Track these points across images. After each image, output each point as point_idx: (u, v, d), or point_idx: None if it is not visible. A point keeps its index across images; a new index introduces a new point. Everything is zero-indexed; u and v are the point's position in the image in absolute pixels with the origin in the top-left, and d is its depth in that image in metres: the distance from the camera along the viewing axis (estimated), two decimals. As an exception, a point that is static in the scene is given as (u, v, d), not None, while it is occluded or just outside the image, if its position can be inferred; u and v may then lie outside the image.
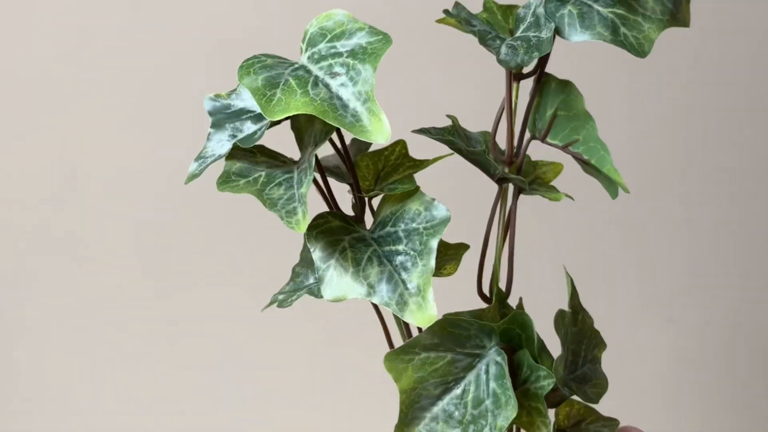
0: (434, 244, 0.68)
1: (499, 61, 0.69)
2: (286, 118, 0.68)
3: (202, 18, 1.28)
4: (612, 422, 0.75)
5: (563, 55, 1.28)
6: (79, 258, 1.29)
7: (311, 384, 1.31)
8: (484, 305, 0.76)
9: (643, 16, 0.69)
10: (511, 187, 0.75)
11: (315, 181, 0.73)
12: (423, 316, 0.67)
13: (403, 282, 0.68)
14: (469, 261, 0.79)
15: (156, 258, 1.29)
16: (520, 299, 0.76)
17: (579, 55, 1.26)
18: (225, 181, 0.70)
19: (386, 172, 0.75)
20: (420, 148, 0.79)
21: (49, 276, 1.29)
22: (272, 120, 0.67)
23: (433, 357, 0.69)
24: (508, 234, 0.75)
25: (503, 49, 0.69)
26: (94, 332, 1.30)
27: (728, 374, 1.33)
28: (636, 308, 1.31)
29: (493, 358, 0.69)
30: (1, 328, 1.30)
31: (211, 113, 0.73)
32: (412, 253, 0.69)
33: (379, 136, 0.65)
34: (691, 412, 1.32)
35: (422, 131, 0.71)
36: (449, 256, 0.77)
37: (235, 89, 0.75)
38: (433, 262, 0.68)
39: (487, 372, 0.69)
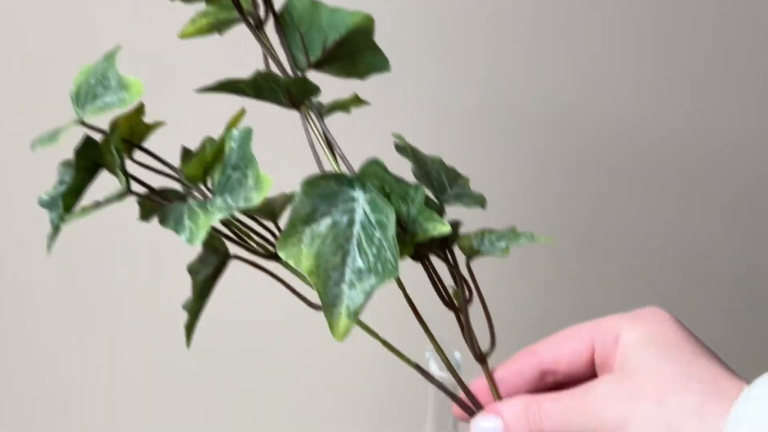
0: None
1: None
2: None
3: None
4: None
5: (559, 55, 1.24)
6: (78, 257, 1.31)
7: (316, 380, 1.31)
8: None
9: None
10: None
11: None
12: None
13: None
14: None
15: (157, 257, 1.31)
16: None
17: (576, 48, 1.27)
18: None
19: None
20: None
21: (49, 276, 1.31)
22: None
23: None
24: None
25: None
26: (94, 332, 1.32)
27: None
28: (636, 308, 1.29)
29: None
30: (1, 328, 1.33)
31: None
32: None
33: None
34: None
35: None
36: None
37: None
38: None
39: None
